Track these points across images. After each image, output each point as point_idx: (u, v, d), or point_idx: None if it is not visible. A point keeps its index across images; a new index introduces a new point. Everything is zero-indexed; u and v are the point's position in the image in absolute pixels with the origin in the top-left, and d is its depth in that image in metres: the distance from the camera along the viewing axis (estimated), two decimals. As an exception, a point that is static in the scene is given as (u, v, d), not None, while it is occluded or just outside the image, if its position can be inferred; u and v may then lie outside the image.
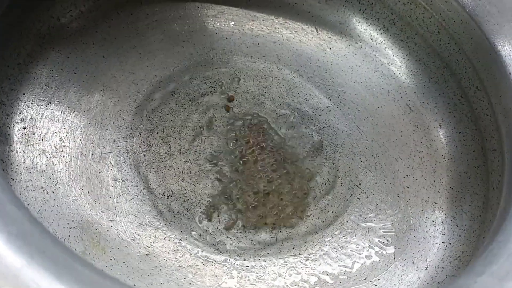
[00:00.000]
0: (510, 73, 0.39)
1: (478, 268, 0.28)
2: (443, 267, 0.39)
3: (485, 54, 0.41)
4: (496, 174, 0.40)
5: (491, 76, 0.41)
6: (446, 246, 0.40)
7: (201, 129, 0.44)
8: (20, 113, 0.39)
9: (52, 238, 0.23)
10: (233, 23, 0.52)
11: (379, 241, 0.41)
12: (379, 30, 0.51)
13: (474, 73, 0.43)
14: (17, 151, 0.38)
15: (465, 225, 0.41)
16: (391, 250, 0.40)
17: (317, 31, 0.52)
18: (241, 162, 0.43)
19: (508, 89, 0.38)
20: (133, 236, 0.38)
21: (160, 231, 0.39)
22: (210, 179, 0.42)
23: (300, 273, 0.38)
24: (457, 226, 0.41)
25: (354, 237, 0.41)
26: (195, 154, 0.43)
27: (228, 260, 0.38)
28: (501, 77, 0.39)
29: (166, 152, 0.43)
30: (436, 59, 0.48)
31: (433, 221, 0.42)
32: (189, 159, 0.43)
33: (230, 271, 0.38)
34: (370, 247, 0.40)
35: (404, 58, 0.50)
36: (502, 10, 0.40)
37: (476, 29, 0.42)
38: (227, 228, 0.40)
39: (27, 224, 0.22)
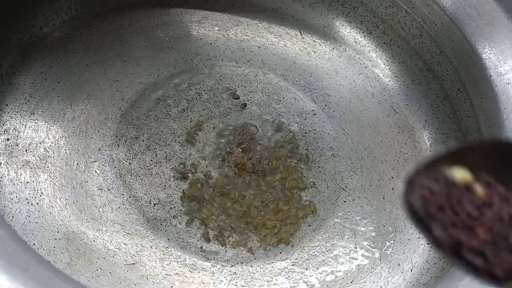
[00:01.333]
0: (490, 76, 0.39)
1: (459, 272, 0.28)
2: (428, 269, 0.39)
3: (466, 56, 0.42)
4: (478, 176, 0.40)
5: (472, 78, 0.42)
6: (431, 247, 0.41)
7: (187, 135, 0.45)
8: (3, 124, 0.39)
9: (35, 255, 0.23)
10: (217, 28, 0.52)
11: (365, 243, 0.41)
12: (363, 33, 0.51)
13: (456, 75, 0.44)
14: (0, 163, 0.38)
15: (450, 226, 0.41)
16: (377, 252, 0.41)
17: (301, 35, 0.53)
18: (227, 169, 0.43)
19: (489, 91, 0.39)
20: (119, 246, 0.38)
21: (146, 239, 0.39)
22: (197, 186, 0.42)
23: (288, 278, 0.39)
24: (442, 227, 0.41)
25: (341, 240, 0.41)
26: (181, 161, 0.43)
27: (215, 267, 0.38)
28: (482, 79, 0.40)
29: (152, 160, 0.43)
30: (418, 62, 0.48)
31: (418, 223, 0.42)
32: (175, 166, 0.43)
33: (218, 278, 0.38)
34: (356, 249, 0.41)
35: (387, 61, 0.51)
36: (482, 13, 0.41)
37: (457, 32, 0.42)
38: (207, 240, 0.39)
39: (10, 243, 0.22)
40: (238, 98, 0.48)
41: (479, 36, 0.41)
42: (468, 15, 0.42)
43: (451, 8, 0.43)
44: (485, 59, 0.40)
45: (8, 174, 0.38)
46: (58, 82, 0.43)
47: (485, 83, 0.40)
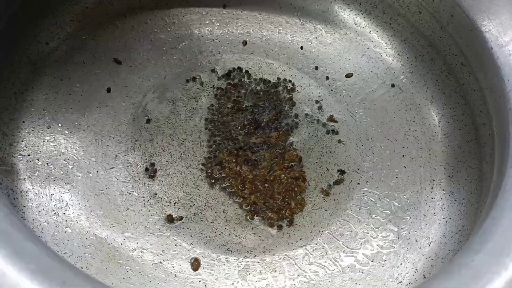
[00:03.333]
0: (491, 48, 0.39)
1: (474, 246, 0.29)
2: (445, 243, 0.40)
3: (466, 30, 0.42)
4: (487, 148, 0.41)
5: (474, 51, 0.42)
6: (447, 221, 0.42)
7: (199, 133, 0.46)
8: (22, 141, 0.41)
9: (71, 268, 0.24)
10: (217, 24, 0.52)
11: (382, 223, 0.42)
12: (362, 14, 0.52)
13: (458, 50, 0.44)
14: (24, 179, 0.39)
15: (463, 199, 0.42)
16: (394, 230, 0.42)
17: (301, 22, 0.53)
18: (240, 159, 0.44)
19: (491, 64, 0.39)
20: (145, 246, 0.39)
21: (170, 238, 0.40)
22: (213, 181, 0.43)
23: (311, 263, 0.40)
24: (456, 201, 0.42)
25: (358, 222, 0.42)
26: (195, 158, 0.44)
27: (238, 259, 0.40)
28: (483, 52, 0.40)
29: (167, 160, 0.44)
30: (420, 38, 0.48)
31: (432, 198, 0.43)
32: (191, 164, 0.44)
33: (242, 269, 0.39)
34: (373, 230, 0.42)
35: (389, 40, 0.51)
36: (479, -14, 0.41)
37: (454, 6, 0.42)
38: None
39: (45, 258, 0.24)
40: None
41: (477, 9, 0.41)
42: (466, -12, 0.42)
43: (448, -17, 0.43)
44: (485, 31, 0.40)
45: (32, 188, 0.39)
46: (70, 94, 0.44)
47: (487, 56, 0.40)
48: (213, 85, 0.49)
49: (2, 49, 0.40)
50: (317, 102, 0.49)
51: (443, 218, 0.42)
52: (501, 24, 0.39)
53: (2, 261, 0.23)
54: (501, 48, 0.39)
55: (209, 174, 0.43)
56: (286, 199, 0.43)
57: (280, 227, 0.42)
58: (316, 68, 0.51)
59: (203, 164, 0.44)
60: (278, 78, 0.50)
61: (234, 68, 0.50)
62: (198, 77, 0.49)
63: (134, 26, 0.50)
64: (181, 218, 0.41)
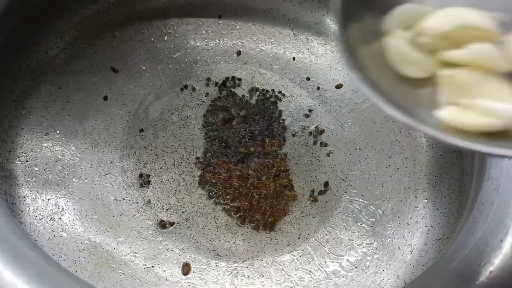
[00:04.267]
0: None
1: (450, 255, 0.31)
2: (426, 250, 0.42)
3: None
4: (468, 160, 0.42)
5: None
6: (429, 229, 0.43)
7: (192, 140, 0.47)
8: (21, 147, 0.42)
9: (66, 273, 0.26)
10: (213, 34, 0.54)
11: (366, 231, 0.44)
12: (353, 27, 0.53)
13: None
14: (22, 184, 0.41)
15: (445, 208, 0.43)
16: (378, 237, 0.43)
17: (294, 33, 0.55)
18: (232, 167, 0.46)
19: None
20: (138, 250, 0.41)
21: (162, 243, 0.42)
22: (205, 188, 0.45)
23: (297, 269, 0.42)
24: (438, 210, 0.44)
25: (344, 229, 0.44)
26: (188, 165, 0.46)
27: (228, 264, 0.41)
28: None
29: (161, 167, 0.45)
30: (408, 52, 0.50)
31: (415, 207, 0.45)
32: (184, 171, 0.46)
33: (231, 274, 0.41)
34: (358, 237, 0.43)
35: (378, 52, 0.52)
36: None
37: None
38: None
39: (43, 264, 0.25)
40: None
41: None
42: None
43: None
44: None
45: (30, 194, 0.41)
46: (67, 102, 0.46)
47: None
48: (207, 94, 0.50)
49: (3, 58, 0.41)
50: (307, 111, 0.50)
51: (425, 226, 0.43)
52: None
53: (1, 266, 0.25)
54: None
55: (202, 173, 0.45)
56: (274, 205, 0.44)
57: (265, 229, 0.43)
58: (308, 78, 0.53)
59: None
60: (273, 90, 0.51)
61: (228, 78, 0.51)
62: (193, 86, 0.50)
63: (132, 36, 0.51)
64: (172, 224, 0.43)
